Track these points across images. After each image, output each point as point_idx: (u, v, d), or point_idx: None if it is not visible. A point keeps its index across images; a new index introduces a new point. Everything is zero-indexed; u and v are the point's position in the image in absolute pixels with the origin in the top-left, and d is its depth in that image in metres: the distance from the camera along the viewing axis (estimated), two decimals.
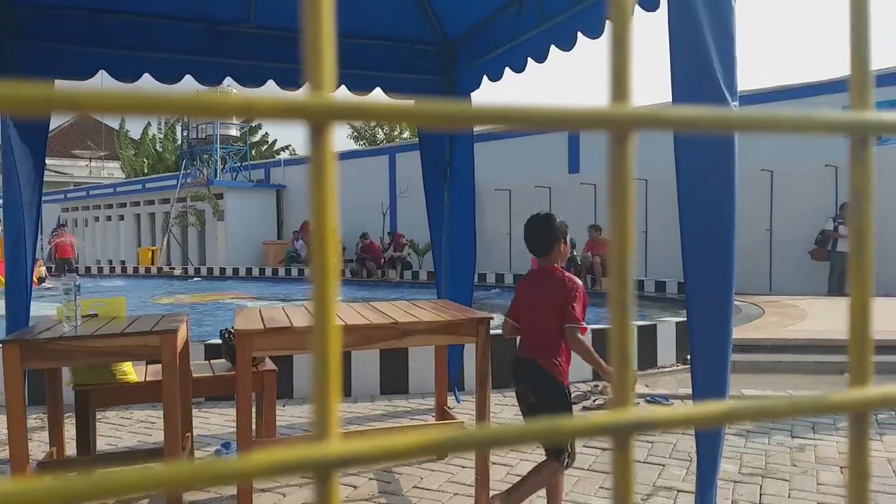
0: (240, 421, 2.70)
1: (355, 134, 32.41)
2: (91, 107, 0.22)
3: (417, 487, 3.37)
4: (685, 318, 6.58)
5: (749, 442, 3.97)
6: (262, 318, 2.97)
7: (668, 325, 6.03)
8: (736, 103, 2.10)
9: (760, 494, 3.21)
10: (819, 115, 0.33)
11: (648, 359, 5.81)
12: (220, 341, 3.85)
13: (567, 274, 2.79)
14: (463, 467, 3.60)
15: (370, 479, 3.49)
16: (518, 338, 2.93)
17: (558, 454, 2.78)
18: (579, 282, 2.82)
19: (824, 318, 7.84)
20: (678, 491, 3.28)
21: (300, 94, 0.27)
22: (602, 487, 3.33)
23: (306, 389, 5.10)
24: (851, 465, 0.33)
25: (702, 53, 1.93)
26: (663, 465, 3.63)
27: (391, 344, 3.05)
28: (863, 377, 0.32)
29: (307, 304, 4.04)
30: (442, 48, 4.17)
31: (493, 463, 3.42)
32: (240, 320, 2.91)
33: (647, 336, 5.85)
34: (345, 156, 21.99)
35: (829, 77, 12.22)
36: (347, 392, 5.15)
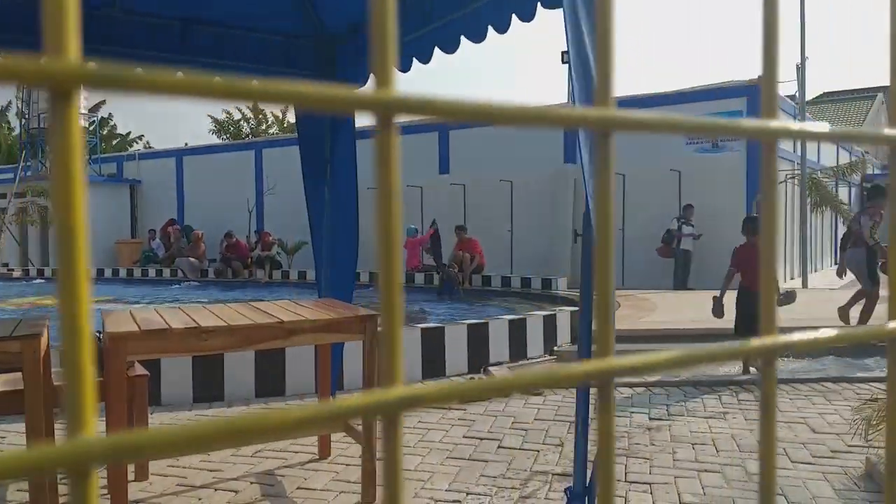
0: (113, 430, 2.55)
1: (218, 128, 31.01)
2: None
3: (301, 488, 3.33)
4: (551, 312, 6.89)
5: None
6: (135, 321, 2.81)
7: (536, 318, 6.34)
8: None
9: (626, 473, 3.48)
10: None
11: (519, 351, 6.07)
12: None
13: None
14: (347, 465, 3.60)
15: (252, 482, 3.41)
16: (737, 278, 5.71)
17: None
18: None
19: (672, 310, 8.57)
20: (553, 475, 3.48)
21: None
22: (483, 475, 3.47)
23: (175, 395, 4.86)
24: None
25: (584, 58, 2.10)
26: (538, 451, 3.84)
27: (276, 344, 2.99)
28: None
29: (183, 306, 3.84)
30: (321, 43, 4.13)
31: (380, 459, 3.45)
32: (110, 323, 2.74)
33: (518, 329, 6.12)
34: (207, 150, 21.01)
35: (693, 86, 13.33)
36: (220, 396, 4.97)
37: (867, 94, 33.67)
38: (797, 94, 15.50)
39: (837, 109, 30.95)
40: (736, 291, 5.76)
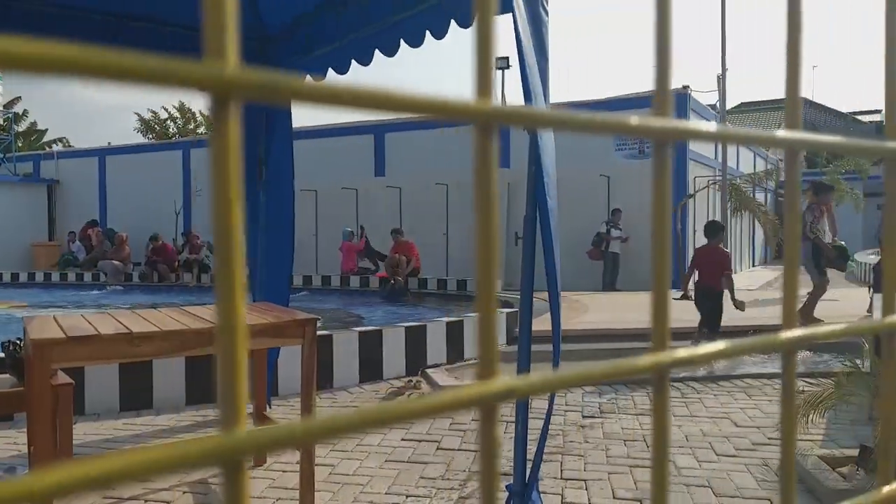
0: (38, 441, 2.43)
1: (144, 127, 29.92)
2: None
3: None
4: None
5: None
6: (60, 327, 2.69)
7: (473, 320, 6.39)
8: None
9: (561, 470, 3.56)
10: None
11: (456, 352, 6.12)
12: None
13: (724, 249, 6.77)
14: (284, 472, 3.55)
15: (184, 492, 3.31)
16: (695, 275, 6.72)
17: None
18: (728, 252, 7.00)
19: (603, 310, 8.81)
20: None
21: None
22: (423, 477, 3.48)
23: (101, 404, 4.67)
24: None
25: (524, 65, 2.16)
26: (476, 451, 3.87)
27: (212, 349, 2.92)
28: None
29: (112, 311, 3.70)
30: (259, 41, 4.06)
31: (317, 464, 3.41)
32: (34, 329, 2.61)
33: (455, 331, 6.16)
34: (132, 150, 20.25)
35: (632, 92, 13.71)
36: (149, 404, 4.80)
37: (782, 104, 35.57)
38: (718, 104, 16.22)
39: (754, 118, 32.60)
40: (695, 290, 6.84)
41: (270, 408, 4.77)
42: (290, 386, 4.87)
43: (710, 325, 6.43)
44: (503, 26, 2.95)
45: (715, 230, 6.74)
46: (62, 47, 0.20)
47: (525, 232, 2.55)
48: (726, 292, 6.49)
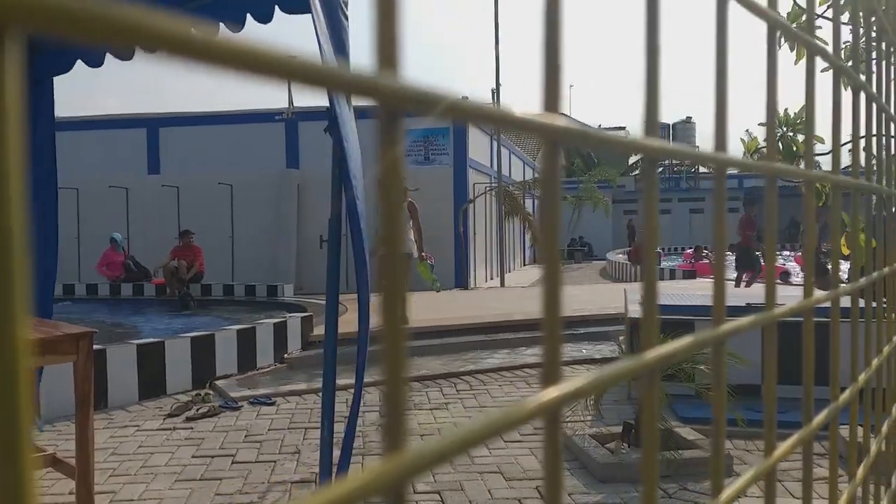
0: None
1: None
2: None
3: None
4: (282, 319, 6.76)
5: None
6: None
7: (266, 326, 6.18)
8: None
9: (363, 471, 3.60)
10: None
11: (248, 361, 5.88)
12: None
13: (751, 217, 10.90)
14: None
15: None
16: None
17: None
18: (754, 219, 11.09)
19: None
20: (292, 483, 3.46)
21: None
22: (218, 494, 3.30)
23: None
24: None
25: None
26: (275, 462, 3.77)
27: None
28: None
29: None
30: None
31: (96, 492, 3.08)
32: None
33: (246, 339, 5.92)
34: None
35: None
36: None
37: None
38: None
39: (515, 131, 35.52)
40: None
41: (41, 430, 4.20)
42: (54, 409, 4.33)
43: (750, 269, 10.37)
44: (300, 27, 2.92)
45: (749, 202, 10.49)
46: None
47: (329, 234, 2.55)
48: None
